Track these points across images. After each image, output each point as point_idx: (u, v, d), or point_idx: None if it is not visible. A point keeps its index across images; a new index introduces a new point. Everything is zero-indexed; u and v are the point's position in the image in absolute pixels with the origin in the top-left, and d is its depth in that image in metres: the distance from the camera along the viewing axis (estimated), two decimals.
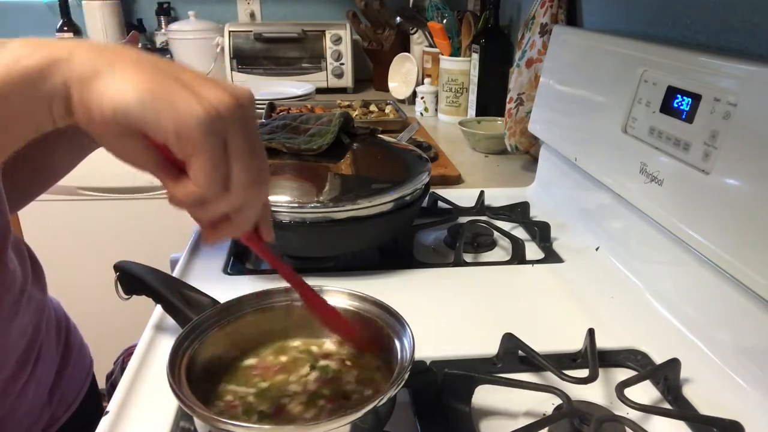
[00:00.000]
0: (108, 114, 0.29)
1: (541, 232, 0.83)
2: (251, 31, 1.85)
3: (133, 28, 1.98)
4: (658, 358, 0.56)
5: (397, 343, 0.46)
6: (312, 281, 0.54)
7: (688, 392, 0.53)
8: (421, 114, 1.63)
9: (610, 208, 0.80)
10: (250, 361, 0.49)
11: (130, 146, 0.32)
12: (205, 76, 0.33)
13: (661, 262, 0.68)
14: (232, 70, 1.85)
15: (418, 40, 1.77)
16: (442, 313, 0.66)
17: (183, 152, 0.31)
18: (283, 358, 0.50)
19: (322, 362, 0.49)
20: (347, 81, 1.89)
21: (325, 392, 0.46)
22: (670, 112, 0.65)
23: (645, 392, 0.53)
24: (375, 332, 0.48)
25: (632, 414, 0.49)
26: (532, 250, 0.81)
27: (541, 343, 0.55)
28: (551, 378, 0.53)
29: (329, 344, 0.51)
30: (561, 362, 0.56)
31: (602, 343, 0.56)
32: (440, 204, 0.93)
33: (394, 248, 0.79)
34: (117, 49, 0.32)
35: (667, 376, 0.53)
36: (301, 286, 0.45)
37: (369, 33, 1.90)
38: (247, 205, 0.34)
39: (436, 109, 1.61)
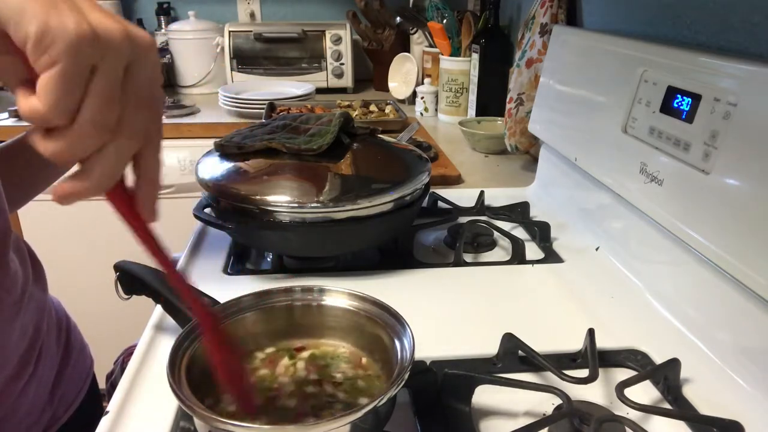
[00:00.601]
0: None
1: (541, 232, 0.83)
2: (251, 31, 1.84)
3: None
4: (658, 358, 0.56)
5: (397, 343, 0.46)
6: (312, 281, 0.54)
7: (688, 392, 0.53)
8: (421, 114, 1.63)
9: (610, 208, 0.80)
10: (251, 361, 0.49)
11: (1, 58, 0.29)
12: (108, 10, 0.30)
13: (661, 262, 0.68)
14: (232, 70, 1.85)
15: (418, 40, 1.77)
16: (442, 313, 0.66)
17: (38, 62, 0.28)
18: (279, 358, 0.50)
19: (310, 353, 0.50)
20: (347, 81, 1.89)
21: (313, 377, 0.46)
22: (670, 112, 0.65)
23: (645, 392, 0.53)
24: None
25: (632, 414, 0.49)
26: (532, 250, 0.81)
27: (541, 343, 0.55)
28: (551, 378, 0.53)
29: (330, 345, 0.51)
30: (561, 362, 0.56)
31: (602, 343, 0.56)
32: (440, 204, 0.93)
33: (394, 248, 0.79)
34: None
35: (667, 376, 0.53)
36: (184, 290, 0.40)
37: (369, 33, 1.90)
38: (95, 150, 0.30)
39: (436, 109, 1.61)
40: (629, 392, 0.48)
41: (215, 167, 0.73)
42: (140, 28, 0.31)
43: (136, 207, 0.34)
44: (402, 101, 1.76)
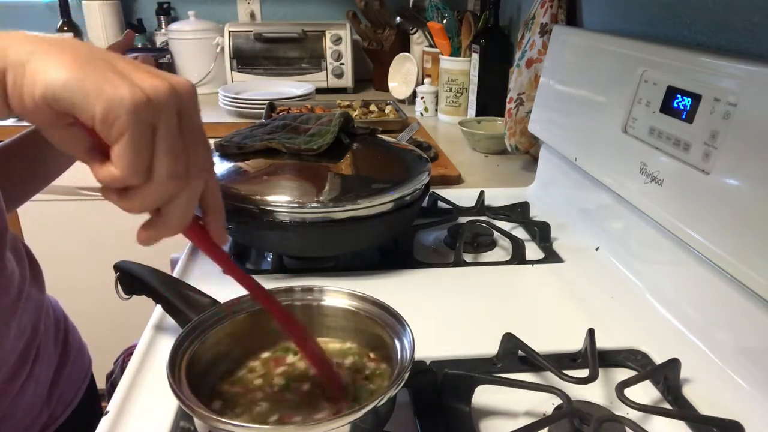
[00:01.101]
0: (38, 97, 0.29)
1: (541, 232, 0.83)
2: (251, 31, 1.84)
3: (133, 28, 1.98)
4: (658, 358, 0.56)
5: (397, 343, 0.46)
6: (312, 281, 0.54)
7: (688, 392, 0.53)
8: (421, 114, 1.63)
9: (610, 208, 0.80)
10: (251, 362, 0.49)
11: (63, 131, 0.31)
12: (145, 66, 0.33)
13: (661, 262, 0.68)
14: (232, 70, 1.85)
15: (418, 40, 1.77)
16: (442, 313, 0.66)
17: (108, 136, 0.30)
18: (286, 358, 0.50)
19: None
20: (347, 81, 1.88)
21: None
22: (670, 112, 0.65)
23: (645, 392, 0.53)
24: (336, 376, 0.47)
25: (632, 414, 0.49)
26: (532, 250, 0.81)
27: (541, 343, 0.55)
28: (551, 378, 0.53)
29: (332, 345, 0.51)
30: (561, 362, 0.56)
31: (602, 343, 0.56)
32: (440, 204, 0.93)
33: (394, 248, 0.79)
34: (53, 38, 0.32)
35: (667, 376, 0.53)
36: (266, 301, 0.43)
37: (369, 33, 1.90)
38: (174, 198, 0.33)
39: (436, 109, 1.61)
40: (629, 392, 0.48)
41: (215, 167, 0.73)
42: (179, 77, 0.33)
43: (209, 234, 0.37)
44: (402, 101, 1.75)
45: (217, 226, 0.38)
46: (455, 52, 1.51)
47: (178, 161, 0.32)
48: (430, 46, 1.63)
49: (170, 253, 0.84)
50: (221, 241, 0.38)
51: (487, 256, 0.81)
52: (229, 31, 1.83)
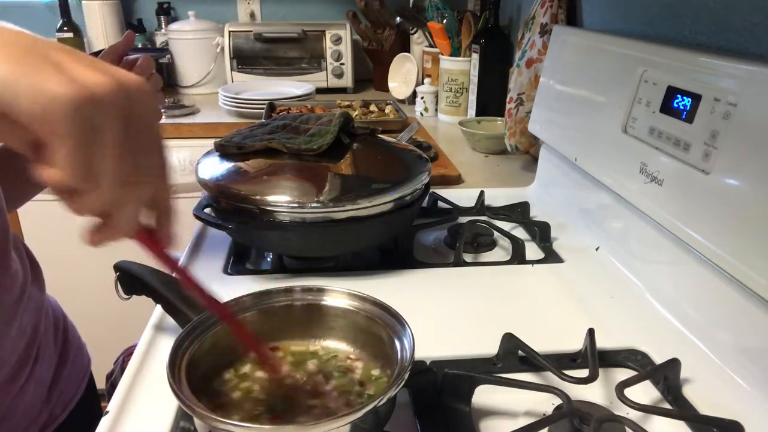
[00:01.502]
0: None
1: (541, 232, 0.83)
2: (251, 31, 1.84)
3: (133, 27, 1.98)
4: (658, 358, 0.56)
5: (397, 343, 0.46)
6: (312, 281, 0.54)
7: (688, 392, 0.53)
8: (421, 114, 1.63)
9: (610, 208, 0.80)
10: (251, 362, 0.49)
11: (1, 127, 0.29)
12: (91, 60, 0.30)
13: (661, 262, 0.68)
14: (232, 70, 1.85)
15: (418, 40, 1.77)
16: (442, 313, 0.66)
17: (45, 134, 0.28)
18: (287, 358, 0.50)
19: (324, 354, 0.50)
20: (347, 81, 1.89)
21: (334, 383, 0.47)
22: (670, 112, 0.65)
23: (645, 392, 0.53)
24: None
25: (632, 414, 0.49)
26: (532, 250, 0.81)
27: (541, 343, 0.55)
28: (551, 378, 0.53)
29: (330, 344, 0.51)
30: (561, 362, 0.56)
31: (602, 343, 0.56)
32: (440, 204, 0.93)
33: (394, 248, 0.79)
34: None
35: (667, 376, 0.53)
36: (221, 311, 0.43)
37: (369, 33, 1.90)
38: (122, 202, 0.31)
39: (436, 109, 1.61)
40: (629, 392, 0.48)
41: (215, 167, 0.73)
42: (126, 72, 0.31)
43: (156, 237, 0.36)
44: (402, 101, 1.76)
45: (166, 231, 0.36)
46: (455, 52, 1.51)
47: (123, 165, 0.30)
48: (430, 46, 1.63)
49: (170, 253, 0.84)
50: (167, 243, 0.37)
51: (487, 256, 0.81)
52: (229, 31, 1.83)
